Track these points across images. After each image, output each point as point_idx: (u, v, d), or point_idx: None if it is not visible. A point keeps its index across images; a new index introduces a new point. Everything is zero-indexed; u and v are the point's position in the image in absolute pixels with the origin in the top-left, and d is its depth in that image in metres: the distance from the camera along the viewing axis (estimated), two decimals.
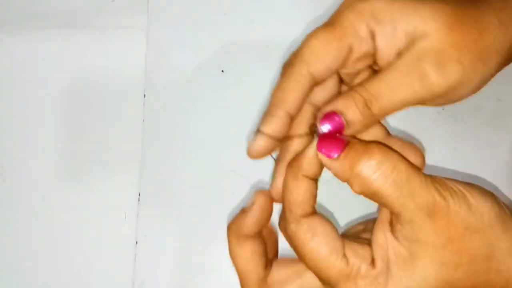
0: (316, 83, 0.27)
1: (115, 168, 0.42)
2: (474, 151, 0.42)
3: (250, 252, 0.28)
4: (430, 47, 0.26)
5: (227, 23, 0.44)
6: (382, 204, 0.25)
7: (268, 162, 0.42)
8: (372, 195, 0.25)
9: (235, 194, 0.41)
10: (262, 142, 0.28)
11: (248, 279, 0.28)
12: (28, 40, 0.44)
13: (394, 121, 0.42)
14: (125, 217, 0.41)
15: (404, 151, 0.27)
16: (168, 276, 0.40)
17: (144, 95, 0.43)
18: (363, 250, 0.26)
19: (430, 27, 0.26)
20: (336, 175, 0.26)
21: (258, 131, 0.28)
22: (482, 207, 0.25)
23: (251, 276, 0.28)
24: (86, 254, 0.41)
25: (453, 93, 0.27)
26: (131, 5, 0.44)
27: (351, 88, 0.27)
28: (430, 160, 0.42)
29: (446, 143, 0.42)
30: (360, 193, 0.25)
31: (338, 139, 0.25)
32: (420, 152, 0.29)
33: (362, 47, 0.27)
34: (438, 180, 0.25)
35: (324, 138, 0.26)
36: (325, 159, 0.26)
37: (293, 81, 0.27)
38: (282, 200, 0.27)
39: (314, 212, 0.27)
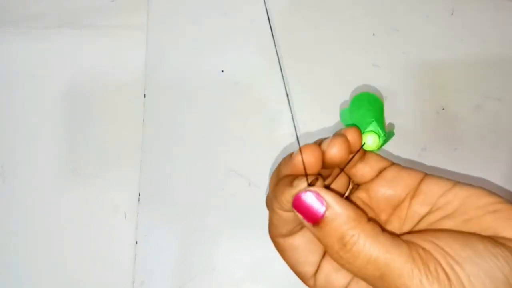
0: None
1: (115, 168, 0.42)
2: (474, 151, 0.42)
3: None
4: None
5: (227, 23, 0.44)
6: None
7: (268, 162, 0.42)
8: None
9: (235, 194, 0.41)
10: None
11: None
12: (28, 40, 0.44)
13: (394, 122, 0.42)
14: (125, 217, 0.41)
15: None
16: (168, 276, 0.40)
17: (144, 95, 0.43)
18: (337, 280, 0.26)
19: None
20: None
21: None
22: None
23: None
24: (86, 254, 0.41)
25: None
26: (131, 5, 0.44)
27: None
28: (430, 160, 0.42)
29: (446, 143, 0.42)
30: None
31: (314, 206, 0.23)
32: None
33: None
34: (432, 265, 0.21)
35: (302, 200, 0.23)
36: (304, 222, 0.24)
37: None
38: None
39: (296, 231, 0.26)
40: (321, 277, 0.26)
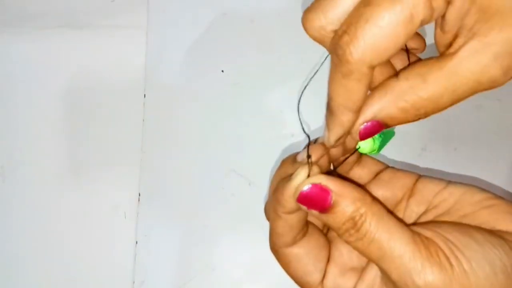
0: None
1: (115, 168, 0.42)
2: (474, 151, 0.42)
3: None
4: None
5: (227, 23, 0.44)
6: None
7: (268, 162, 0.42)
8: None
9: (235, 194, 0.41)
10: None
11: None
12: (28, 40, 0.44)
13: None
14: (125, 217, 0.41)
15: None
16: (168, 276, 0.40)
17: (144, 95, 0.43)
18: (344, 283, 0.26)
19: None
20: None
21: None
22: (484, 283, 0.21)
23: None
24: (86, 254, 0.41)
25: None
26: (131, 5, 0.44)
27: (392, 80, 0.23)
28: (430, 160, 0.42)
29: (446, 143, 0.42)
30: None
31: (320, 196, 0.23)
32: None
33: (431, 19, 0.21)
34: (433, 250, 0.22)
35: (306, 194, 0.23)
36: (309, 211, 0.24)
37: (354, 81, 0.22)
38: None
39: (300, 238, 0.26)
40: (329, 282, 0.26)
